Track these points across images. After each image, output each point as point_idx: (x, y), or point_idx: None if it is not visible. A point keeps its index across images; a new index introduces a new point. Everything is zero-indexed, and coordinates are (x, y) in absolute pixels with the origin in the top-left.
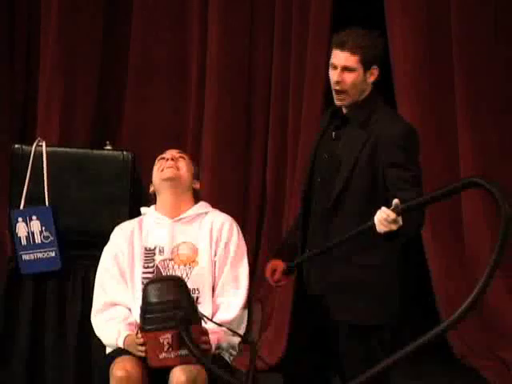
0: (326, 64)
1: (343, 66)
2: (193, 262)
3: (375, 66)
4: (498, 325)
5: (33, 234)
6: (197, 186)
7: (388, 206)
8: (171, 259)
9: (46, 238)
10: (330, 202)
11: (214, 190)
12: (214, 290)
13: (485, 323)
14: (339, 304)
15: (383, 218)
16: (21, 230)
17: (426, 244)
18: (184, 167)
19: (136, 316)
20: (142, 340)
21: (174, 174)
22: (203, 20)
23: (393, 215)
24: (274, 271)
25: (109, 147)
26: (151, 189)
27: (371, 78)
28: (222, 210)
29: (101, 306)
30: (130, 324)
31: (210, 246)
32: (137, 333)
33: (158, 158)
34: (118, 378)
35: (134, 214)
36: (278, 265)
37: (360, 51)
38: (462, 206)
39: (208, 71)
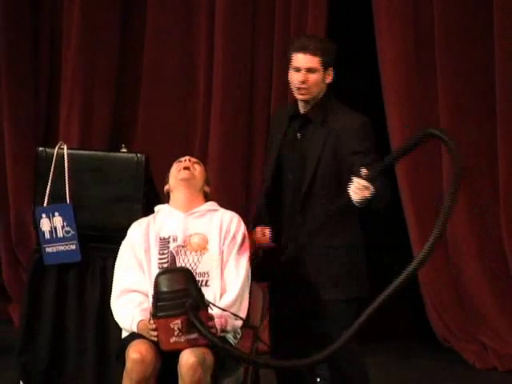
0: None
1: (307, 68)
2: (203, 249)
3: (331, 68)
4: (477, 312)
5: (55, 228)
6: (207, 189)
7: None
8: (183, 246)
9: (67, 232)
10: (301, 194)
11: (219, 187)
12: (222, 274)
13: (465, 310)
14: (325, 284)
15: (356, 187)
16: (44, 225)
17: (414, 242)
18: (198, 171)
19: (151, 301)
20: (154, 326)
21: (188, 176)
22: (210, 33)
23: (363, 182)
24: (263, 234)
25: (124, 150)
26: (166, 188)
27: (328, 79)
28: (226, 205)
29: (118, 292)
30: (143, 310)
31: (219, 237)
32: (149, 319)
33: (176, 161)
34: (133, 360)
35: (147, 211)
36: (265, 229)
37: (320, 53)
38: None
39: (214, 79)
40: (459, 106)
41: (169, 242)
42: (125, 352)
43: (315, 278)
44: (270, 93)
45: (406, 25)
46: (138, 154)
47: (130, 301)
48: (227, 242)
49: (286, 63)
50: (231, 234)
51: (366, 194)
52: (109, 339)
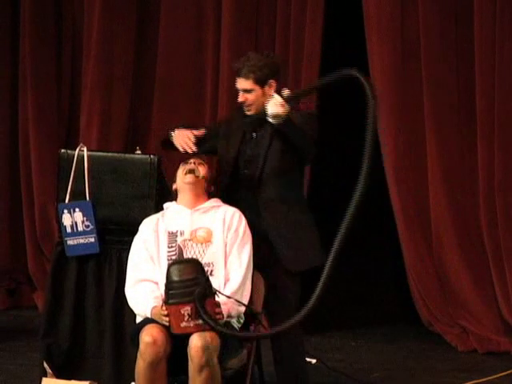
0: None
1: (242, 89)
2: (208, 241)
3: (271, 80)
4: (458, 298)
5: (76, 223)
6: (211, 189)
7: None
8: (190, 239)
9: (87, 226)
10: (254, 183)
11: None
12: (225, 264)
13: (447, 297)
14: (287, 256)
15: (273, 102)
16: (66, 219)
17: (401, 236)
18: (202, 173)
19: (162, 289)
20: (166, 312)
21: (193, 180)
22: (216, 46)
23: (280, 99)
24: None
25: (138, 152)
26: (174, 187)
27: (271, 90)
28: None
29: (132, 282)
30: (156, 297)
31: (223, 230)
32: (162, 305)
33: (182, 163)
34: (146, 342)
35: (159, 207)
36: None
37: (252, 75)
38: (430, 199)
39: (220, 88)
40: (442, 113)
41: (176, 236)
42: (139, 335)
43: (270, 251)
44: None
45: (394, 39)
46: (151, 156)
47: (143, 289)
48: (230, 235)
49: (285, 77)
50: (233, 228)
51: (280, 110)
52: (124, 323)
